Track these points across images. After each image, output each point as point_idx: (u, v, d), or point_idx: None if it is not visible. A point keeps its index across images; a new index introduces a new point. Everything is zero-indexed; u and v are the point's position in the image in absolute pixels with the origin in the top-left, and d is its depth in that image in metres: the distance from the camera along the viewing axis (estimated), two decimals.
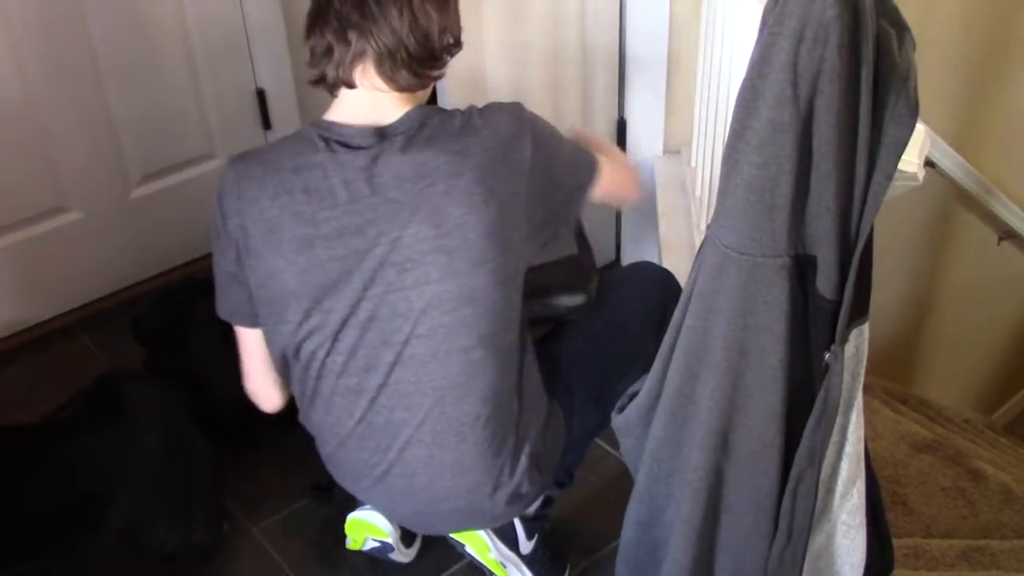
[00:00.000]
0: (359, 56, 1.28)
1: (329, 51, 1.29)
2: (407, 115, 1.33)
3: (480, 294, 1.33)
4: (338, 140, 1.31)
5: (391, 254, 1.31)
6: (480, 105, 1.38)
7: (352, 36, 1.27)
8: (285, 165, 1.32)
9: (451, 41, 1.34)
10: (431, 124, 1.32)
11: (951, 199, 3.19)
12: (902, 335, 3.48)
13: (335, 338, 1.37)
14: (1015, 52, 3.03)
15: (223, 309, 1.48)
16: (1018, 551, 2.16)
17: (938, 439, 2.68)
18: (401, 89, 1.32)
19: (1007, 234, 3.33)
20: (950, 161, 2.97)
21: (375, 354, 1.38)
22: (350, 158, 1.30)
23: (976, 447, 2.93)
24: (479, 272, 1.32)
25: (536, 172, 1.36)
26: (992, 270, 3.45)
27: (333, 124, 1.33)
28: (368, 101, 1.32)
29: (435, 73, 1.35)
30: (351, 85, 1.31)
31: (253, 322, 1.46)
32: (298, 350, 1.41)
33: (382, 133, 1.31)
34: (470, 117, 1.34)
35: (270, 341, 1.44)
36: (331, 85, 1.32)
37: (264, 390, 1.53)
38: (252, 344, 1.49)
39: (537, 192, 1.38)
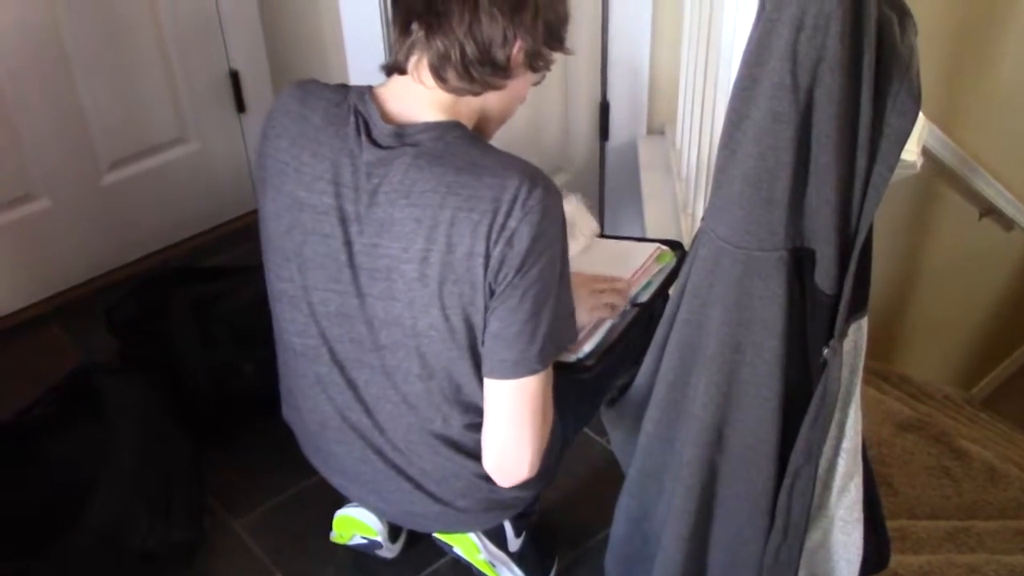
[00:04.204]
0: (415, 47, 1.24)
1: (396, 41, 1.27)
2: (434, 124, 1.26)
3: (435, 332, 1.27)
4: (366, 122, 1.27)
5: (367, 259, 1.27)
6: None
7: (414, 27, 1.23)
8: (315, 119, 1.28)
9: (525, 54, 1.25)
10: (448, 141, 1.24)
11: (933, 175, 3.18)
12: (883, 311, 3.48)
13: (309, 317, 1.33)
14: (996, 28, 3.02)
15: None
16: (1003, 531, 2.16)
17: (921, 418, 2.67)
18: (450, 90, 1.25)
19: (988, 210, 3.33)
20: (932, 138, 2.96)
21: (346, 351, 1.34)
22: (366, 148, 1.25)
23: (958, 424, 2.93)
24: (433, 312, 1.26)
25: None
26: (973, 246, 3.45)
27: (370, 104, 1.27)
28: (410, 92, 1.27)
29: (493, 81, 1.26)
30: (403, 72, 1.27)
31: None
32: (281, 323, 1.38)
33: (401, 135, 1.25)
34: (485, 154, 1.24)
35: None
36: (388, 70, 1.29)
37: None
38: None
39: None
